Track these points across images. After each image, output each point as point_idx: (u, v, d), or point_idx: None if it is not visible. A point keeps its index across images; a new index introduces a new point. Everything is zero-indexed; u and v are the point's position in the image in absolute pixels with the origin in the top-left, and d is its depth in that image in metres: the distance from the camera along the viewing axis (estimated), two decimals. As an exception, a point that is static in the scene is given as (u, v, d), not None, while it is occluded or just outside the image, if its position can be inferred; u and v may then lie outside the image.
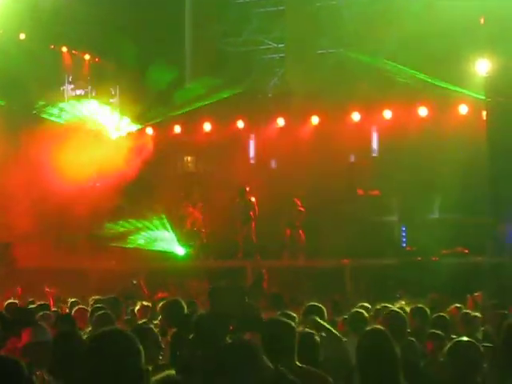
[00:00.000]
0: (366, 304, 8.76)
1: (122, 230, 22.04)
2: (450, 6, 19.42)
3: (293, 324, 5.69)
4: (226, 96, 23.66)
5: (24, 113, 23.06)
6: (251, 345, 4.34)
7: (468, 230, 19.12)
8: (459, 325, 8.39)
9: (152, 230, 22.32)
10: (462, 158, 19.85)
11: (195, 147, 24.94)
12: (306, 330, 6.20)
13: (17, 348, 6.99)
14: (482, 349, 5.48)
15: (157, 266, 19.59)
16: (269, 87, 26.10)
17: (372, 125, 22.53)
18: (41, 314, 8.58)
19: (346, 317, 8.38)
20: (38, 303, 10.24)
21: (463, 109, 21.39)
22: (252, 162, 24.63)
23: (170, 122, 24.14)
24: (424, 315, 7.95)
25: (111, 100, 25.30)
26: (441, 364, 6.16)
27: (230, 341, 5.51)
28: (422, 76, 20.99)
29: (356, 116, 22.64)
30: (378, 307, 8.03)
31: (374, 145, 23.00)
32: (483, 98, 19.73)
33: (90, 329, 8.13)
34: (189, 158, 25.54)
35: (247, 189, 21.68)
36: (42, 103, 23.92)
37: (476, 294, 11.29)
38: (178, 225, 22.21)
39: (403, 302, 8.73)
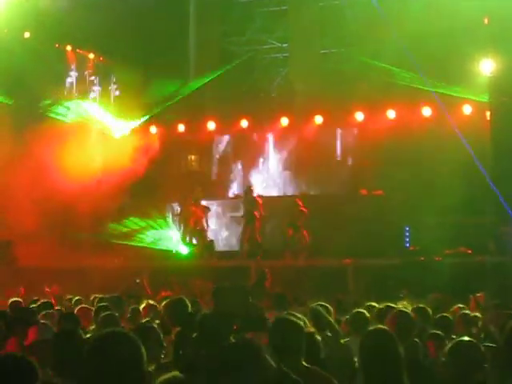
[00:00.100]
0: (374, 303, 8.75)
1: (125, 228, 22.08)
2: (454, 6, 19.42)
3: (301, 323, 5.71)
4: (229, 95, 23.71)
5: (29, 111, 23.08)
6: (254, 344, 4.35)
7: (471, 230, 19.12)
8: (459, 325, 8.40)
9: (155, 228, 22.35)
10: (465, 157, 19.84)
11: (199, 146, 24.99)
12: (307, 329, 6.21)
13: (19, 347, 7.03)
14: (482, 349, 5.48)
15: (160, 264, 19.61)
16: (272, 87, 26.11)
17: (375, 125, 22.52)
18: (44, 312, 8.59)
19: (347, 317, 8.38)
20: (41, 301, 10.25)
21: (467, 109, 21.39)
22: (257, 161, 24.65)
23: (174, 120, 24.17)
24: (426, 315, 7.95)
25: (115, 99, 25.33)
26: (442, 364, 6.18)
27: (233, 340, 5.53)
28: (425, 76, 20.99)
29: (359, 116, 22.66)
30: (381, 307, 8.03)
31: (377, 145, 22.99)
32: (487, 98, 19.73)
33: (93, 327, 8.16)
34: (193, 157, 25.57)
35: (252, 188, 21.70)
36: (46, 102, 23.95)
37: (478, 294, 11.28)
38: (181, 223, 22.25)
39: (405, 302, 8.74)
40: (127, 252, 21.03)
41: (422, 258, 18.44)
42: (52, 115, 23.87)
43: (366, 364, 5.09)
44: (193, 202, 22.16)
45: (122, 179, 21.24)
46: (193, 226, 21.87)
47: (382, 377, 4.99)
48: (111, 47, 23.98)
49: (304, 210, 20.39)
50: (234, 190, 24.50)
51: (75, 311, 9.10)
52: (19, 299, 10.52)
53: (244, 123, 23.75)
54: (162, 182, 22.84)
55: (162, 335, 6.55)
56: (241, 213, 21.86)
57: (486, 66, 19.51)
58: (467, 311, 9.00)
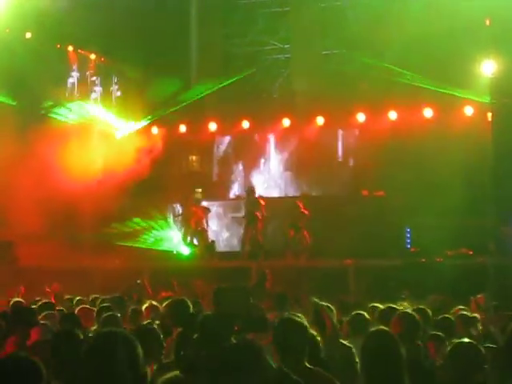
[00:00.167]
0: (377, 304, 8.75)
1: (126, 229, 22.08)
2: (455, 7, 19.43)
3: (306, 324, 5.71)
4: (230, 96, 23.73)
5: (31, 112, 23.10)
6: (255, 345, 4.35)
7: (472, 231, 19.11)
8: (458, 326, 8.39)
9: (156, 229, 22.36)
10: (466, 159, 19.85)
11: (200, 147, 25.01)
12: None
13: (18, 346, 7.04)
14: (483, 350, 5.48)
15: (161, 265, 19.60)
16: (274, 87, 26.12)
17: (376, 126, 22.53)
18: (45, 313, 8.60)
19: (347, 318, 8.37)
20: (42, 301, 10.25)
21: (468, 110, 21.40)
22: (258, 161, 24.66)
23: (176, 121, 24.18)
24: (426, 316, 7.95)
25: (116, 99, 25.34)
26: (442, 365, 6.18)
27: (234, 341, 5.52)
28: (427, 77, 20.99)
29: (361, 117, 22.67)
30: (383, 308, 8.02)
31: (379, 146, 22.99)
32: (488, 99, 19.73)
33: (94, 327, 8.16)
34: (194, 158, 25.57)
35: (254, 189, 21.70)
36: (48, 103, 23.97)
37: (478, 296, 11.28)
38: (182, 224, 22.26)
39: (406, 303, 8.73)
40: (128, 252, 21.03)
41: (423, 259, 18.44)
42: (54, 116, 23.89)
43: (368, 365, 5.08)
44: (193, 202, 22.17)
45: (123, 180, 21.25)
46: (194, 227, 21.87)
47: (383, 378, 4.99)
48: (113, 48, 23.99)
49: (305, 211, 20.38)
50: (235, 190, 24.51)
51: (76, 311, 9.11)
52: (21, 300, 10.52)
53: (245, 124, 23.76)
54: (163, 182, 22.84)
55: (161, 336, 6.55)
56: (242, 213, 21.86)
57: (488, 67, 19.52)
58: (466, 312, 8.99)
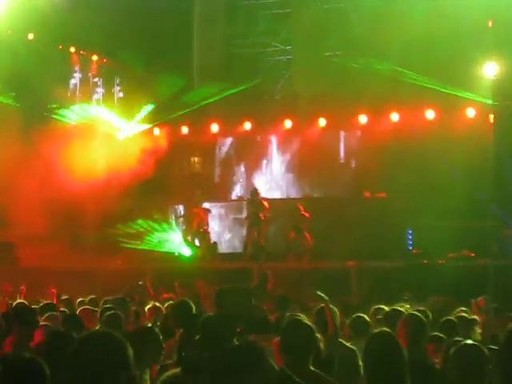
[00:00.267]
0: (382, 306, 8.75)
1: (128, 230, 22.08)
2: (457, 9, 19.43)
3: (313, 327, 5.71)
4: (233, 98, 23.73)
5: (33, 113, 23.11)
6: (257, 346, 4.36)
7: (474, 233, 19.11)
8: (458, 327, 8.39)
9: (158, 230, 22.35)
10: (468, 160, 19.84)
11: (202, 148, 25.01)
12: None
13: (15, 346, 7.05)
14: (486, 351, 5.47)
15: (163, 266, 19.60)
16: (276, 89, 26.13)
17: (379, 127, 22.53)
18: (48, 314, 8.60)
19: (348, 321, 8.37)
20: (44, 302, 10.26)
21: (470, 112, 21.39)
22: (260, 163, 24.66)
23: (178, 122, 24.18)
24: (426, 318, 7.95)
25: (119, 100, 25.35)
26: (442, 366, 6.18)
27: (236, 342, 5.53)
28: (429, 79, 20.99)
29: (363, 118, 22.67)
30: (389, 310, 8.02)
31: (381, 147, 22.99)
32: (490, 101, 19.73)
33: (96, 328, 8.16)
34: (196, 159, 25.57)
35: (258, 190, 21.68)
36: (51, 104, 23.99)
37: (479, 298, 11.27)
38: (184, 225, 22.25)
39: (408, 306, 8.73)
40: (130, 254, 21.02)
41: (425, 261, 18.43)
42: (56, 117, 23.90)
43: (371, 367, 5.09)
44: (195, 204, 22.17)
45: (126, 181, 21.25)
46: (196, 228, 21.87)
47: (386, 380, 4.99)
48: (115, 49, 24.01)
49: (305, 214, 20.37)
50: (237, 192, 24.51)
51: (77, 312, 9.12)
52: (23, 301, 10.51)
53: (247, 125, 23.76)
54: (165, 183, 22.84)
55: (161, 337, 6.56)
56: (244, 215, 21.86)
57: (490, 69, 19.51)
58: (465, 314, 8.99)
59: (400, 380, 5.00)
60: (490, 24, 19.29)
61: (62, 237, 21.02)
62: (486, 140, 19.65)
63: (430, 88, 21.14)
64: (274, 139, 24.38)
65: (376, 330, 5.49)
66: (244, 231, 21.70)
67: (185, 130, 24.35)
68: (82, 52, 25.13)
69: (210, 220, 22.23)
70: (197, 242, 21.79)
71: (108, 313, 7.79)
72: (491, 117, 19.98)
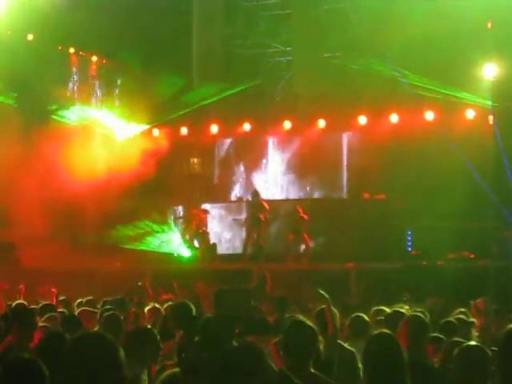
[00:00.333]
0: (383, 307, 8.74)
1: (127, 231, 22.08)
2: (457, 10, 19.43)
3: (316, 329, 5.70)
4: (232, 98, 23.73)
5: (33, 114, 23.11)
6: (256, 348, 4.35)
7: (474, 234, 19.11)
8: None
9: (158, 231, 22.34)
10: (468, 162, 19.85)
11: (202, 149, 25.00)
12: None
13: (13, 346, 7.04)
14: (490, 352, 5.46)
15: (162, 267, 19.59)
16: (276, 90, 26.13)
17: (378, 128, 22.53)
18: (48, 315, 8.59)
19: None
20: (43, 303, 10.25)
21: (470, 113, 21.39)
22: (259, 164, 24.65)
23: (177, 123, 24.17)
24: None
25: (118, 101, 25.35)
26: (441, 366, 6.17)
27: (235, 344, 5.52)
28: (428, 80, 21.00)
29: (362, 120, 22.66)
30: (390, 311, 8.01)
31: (380, 148, 22.99)
32: (490, 102, 19.73)
33: (96, 329, 8.15)
34: (195, 160, 25.57)
35: (259, 192, 21.66)
36: (50, 104, 23.99)
37: (478, 300, 11.27)
38: (183, 226, 22.24)
39: (407, 307, 8.72)
40: (129, 255, 21.01)
41: (425, 262, 18.42)
42: (56, 118, 23.90)
43: (370, 368, 5.07)
44: (194, 205, 22.16)
45: (125, 182, 21.24)
46: (195, 229, 21.87)
47: (385, 381, 4.98)
48: (114, 50, 24.01)
49: (304, 216, 20.36)
50: (237, 192, 24.50)
51: (76, 313, 9.11)
52: (23, 302, 10.50)
53: (247, 126, 23.74)
54: (164, 184, 22.83)
55: (159, 338, 6.56)
56: (243, 216, 21.85)
57: (489, 71, 19.51)
58: (463, 316, 8.98)
59: (400, 382, 4.99)
60: (490, 25, 19.29)
61: (62, 237, 21.02)
62: (485, 141, 19.66)
63: (429, 89, 21.14)
64: (273, 140, 24.38)
65: (376, 332, 5.47)
66: (243, 232, 21.70)
67: (184, 130, 24.34)
68: (81, 53, 25.13)
69: (209, 221, 22.24)
70: (196, 243, 21.79)
71: (107, 313, 7.78)
72: (491, 118, 19.98)
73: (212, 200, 23.07)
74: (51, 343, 5.66)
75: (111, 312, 7.87)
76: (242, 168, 24.66)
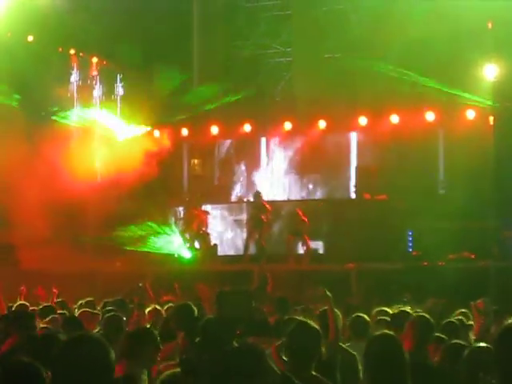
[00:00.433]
0: (386, 308, 8.74)
1: (128, 232, 22.07)
2: (457, 11, 19.42)
3: (320, 331, 5.70)
4: (233, 99, 23.72)
5: (33, 115, 23.10)
6: (257, 349, 4.35)
7: (474, 234, 19.09)
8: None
9: (158, 232, 22.34)
10: (468, 162, 19.84)
11: (202, 150, 25.01)
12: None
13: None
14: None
15: (163, 269, 19.59)
16: (276, 91, 26.12)
17: (379, 129, 22.53)
18: (50, 317, 8.61)
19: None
20: (44, 305, 10.26)
21: (470, 114, 21.38)
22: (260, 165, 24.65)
23: (178, 124, 24.17)
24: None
25: (119, 102, 25.35)
26: (441, 365, 6.17)
27: (236, 345, 5.52)
28: (429, 80, 20.99)
29: (363, 120, 22.65)
30: (395, 311, 8.01)
31: (381, 149, 22.99)
32: (490, 103, 19.72)
33: (97, 330, 8.16)
34: (196, 161, 25.57)
35: (261, 193, 21.64)
36: (50, 106, 23.98)
37: (478, 301, 11.26)
38: (184, 227, 22.23)
39: (409, 307, 8.72)
40: (130, 256, 21.01)
41: (425, 263, 18.41)
42: (56, 119, 23.90)
43: (371, 370, 5.06)
44: (194, 205, 22.16)
45: (126, 183, 21.25)
46: (196, 230, 21.86)
47: (387, 383, 4.97)
48: (115, 51, 23.99)
49: (304, 219, 20.35)
50: (237, 193, 24.50)
51: (77, 315, 9.12)
52: (25, 303, 10.51)
53: (247, 127, 23.74)
54: (165, 185, 22.83)
55: (158, 338, 6.56)
56: (244, 216, 21.85)
57: (490, 71, 19.50)
58: (462, 317, 8.97)
59: (401, 383, 4.98)
60: (490, 25, 19.28)
61: (62, 238, 21.01)
62: (486, 141, 19.65)
63: (429, 90, 21.13)
64: (274, 141, 24.38)
65: (377, 333, 5.46)
66: (244, 233, 21.69)
67: (185, 132, 24.34)
68: (81, 54, 25.12)
69: (209, 222, 22.23)
70: (197, 245, 21.78)
71: (108, 315, 7.79)
72: (491, 118, 19.97)
73: (212, 201, 23.07)
74: (41, 344, 5.66)
75: (112, 313, 7.87)
76: (242, 169, 24.66)
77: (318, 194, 23.77)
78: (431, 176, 21.80)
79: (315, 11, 24.43)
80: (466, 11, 18.96)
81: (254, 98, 24.38)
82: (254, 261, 20.20)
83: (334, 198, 23.19)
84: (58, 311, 9.95)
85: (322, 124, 23.00)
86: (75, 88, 25.22)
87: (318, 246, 20.94)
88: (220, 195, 24.16)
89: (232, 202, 23.99)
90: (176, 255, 21.82)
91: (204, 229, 21.85)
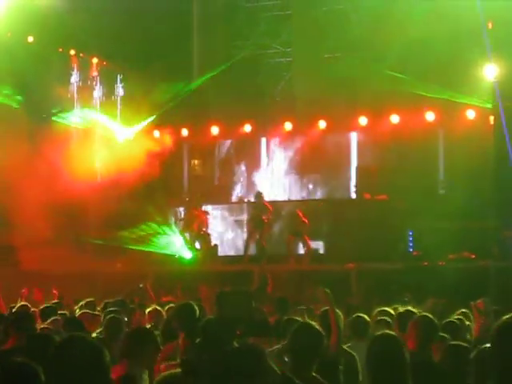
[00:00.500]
0: (387, 308, 8.73)
1: (129, 233, 22.08)
2: (457, 11, 19.41)
3: (323, 333, 5.70)
4: (233, 100, 23.73)
5: (33, 116, 23.12)
6: (257, 349, 4.35)
7: (475, 234, 19.09)
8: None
9: (159, 233, 22.34)
10: (468, 162, 19.84)
11: (202, 150, 25.01)
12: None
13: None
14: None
15: (163, 269, 19.60)
16: (276, 91, 26.12)
17: (379, 129, 22.54)
18: (52, 318, 8.62)
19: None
20: (44, 306, 10.27)
21: (470, 114, 21.38)
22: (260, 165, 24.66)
23: (178, 125, 24.17)
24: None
25: (119, 103, 25.35)
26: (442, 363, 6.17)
27: (236, 345, 5.52)
28: (429, 80, 20.99)
29: (363, 120, 22.66)
30: (402, 311, 8.00)
31: (381, 149, 23.00)
32: (490, 103, 19.72)
33: (98, 331, 8.18)
34: (196, 161, 25.58)
35: (262, 193, 21.63)
36: (51, 106, 23.99)
37: (478, 301, 11.26)
38: (184, 228, 22.23)
39: (410, 307, 8.72)
40: (130, 256, 21.02)
41: (426, 263, 18.41)
42: (57, 120, 23.90)
43: (373, 370, 5.07)
44: (195, 206, 22.16)
45: (126, 183, 21.26)
46: (196, 231, 21.86)
47: (388, 383, 4.97)
48: (115, 51, 24.00)
49: (304, 220, 20.35)
50: (238, 194, 24.50)
51: (77, 315, 9.13)
52: (26, 304, 10.52)
53: (247, 127, 23.75)
54: (165, 186, 22.83)
55: (158, 338, 6.57)
56: (244, 217, 21.85)
57: (490, 71, 19.49)
58: (462, 317, 8.97)
59: (402, 383, 4.98)
60: (490, 25, 19.28)
61: (63, 239, 21.02)
62: (486, 141, 19.66)
63: (429, 90, 21.13)
64: (274, 141, 24.39)
65: (378, 333, 5.47)
66: (245, 233, 21.70)
67: (185, 132, 24.35)
68: (81, 54, 25.12)
69: (210, 222, 22.23)
70: (197, 245, 21.78)
71: (110, 316, 7.80)
72: (491, 118, 19.97)
73: (213, 201, 23.07)
74: (35, 345, 5.67)
75: (113, 315, 7.88)
76: (242, 169, 24.67)
77: (318, 194, 23.77)
78: (431, 176, 21.79)
79: (315, 11, 24.43)
80: (465, 11, 18.96)
81: (254, 98, 24.39)
82: (254, 261, 20.20)
83: (334, 198, 23.19)
84: (59, 312, 9.97)
85: (322, 124, 23.01)
86: (75, 88, 25.22)
87: (319, 246, 20.95)
88: (220, 195, 24.16)
89: (232, 203, 23.99)
90: (176, 256, 21.82)
91: (204, 229, 21.85)
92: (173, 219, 22.94)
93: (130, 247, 21.48)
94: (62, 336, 4.01)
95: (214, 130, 24.04)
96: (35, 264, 19.52)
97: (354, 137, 23.66)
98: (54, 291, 14.29)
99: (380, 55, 21.94)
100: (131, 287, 14.58)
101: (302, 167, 23.89)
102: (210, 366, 5.19)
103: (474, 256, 18.63)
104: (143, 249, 21.69)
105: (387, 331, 5.54)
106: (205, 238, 21.68)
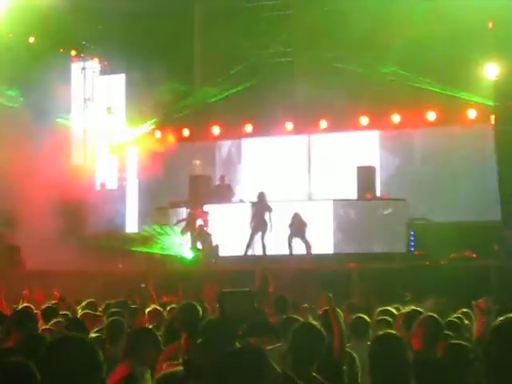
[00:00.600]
0: (390, 308, 8.75)
1: (130, 233, 22.12)
2: (458, 10, 19.43)
3: (324, 333, 5.71)
4: (234, 100, 23.76)
5: (35, 116, 23.15)
6: (259, 349, 4.36)
7: (476, 233, 19.11)
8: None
9: (160, 233, 22.36)
10: (469, 161, 19.86)
11: (203, 151, 25.03)
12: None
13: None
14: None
15: (165, 269, 19.62)
16: (276, 91, 26.11)
17: (380, 129, 22.55)
18: (55, 320, 8.64)
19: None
20: (46, 306, 10.29)
21: (471, 113, 21.39)
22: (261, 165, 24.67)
23: (179, 125, 24.20)
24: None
25: (120, 104, 25.38)
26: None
27: (238, 345, 5.53)
28: (430, 80, 21.01)
29: (364, 120, 22.68)
30: (409, 311, 8.03)
31: (382, 149, 23.02)
32: (491, 102, 19.74)
33: (95, 330, 8.19)
34: (197, 162, 25.59)
35: (265, 193, 21.64)
36: (51, 107, 24.03)
37: (479, 300, 11.27)
38: (185, 228, 22.24)
39: (413, 307, 8.73)
40: (132, 257, 21.04)
41: (427, 262, 18.42)
42: (59, 120, 23.95)
43: (375, 369, 5.08)
44: (196, 206, 22.17)
45: (127, 184, 21.29)
46: (197, 231, 21.87)
47: (390, 382, 4.98)
48: (115, 52, 24.03)
49: (305, 221, 20.37)
50: (239, 194, 24.50)
51: (79, 316, 9.14)
52: (29, 305, 10.53)
53: (248, 127, 23.77)
54: (166, 186, 22.85)
55: (159, 338, 6.58)
56: (246, 217, 21.85)
57: (491, 70, 19.51)
58: (461, 316, 8.98)
59: (404, 383, 4.99)
60: (491, 25, 19.29)
61: (66, 240, 21.05)
62: (487, 141, 19.67)
63: (431, 89, 21.15)
64: (275, 141, 24.40)
65: (380, 332, 5.48)
66: (246, 233, 21.70)
67: (186, 132, 24.37)
68: (82, 55, 25.16)
69: (211, 222, 22.23)
70: (198, 245, 21.79)
71: (112, 317, 7.82)
72: (492, 118, 19.99)
73: (214, 201, 23.07)
74: (29, 344, 5.68)
75: (115, 317, 7.90)
76: (243, 170, 24.68)
77: (319, 195, 23.75)
78: (433, 175, 21.79)
79: (315, 11, 24.42)
80: (466, 10, 18.98)
81: (254, 98, 24.41)
82: (255, 261, 20.22)
83: (335, 198, 23.18)
84: (61, 313, 9.99)
85: (323, 124, 23.04)
86: (76, 89, 25.26)
87: (320, 246, 20.95)
88: (221, 195, 24.16)
89: (234, 203, 23.99)
90: (178, 256, 21.83)
91: (205, 229, 21.86)
92: (174, 219, 22.94)
93: (131, 248, 21.50)
94: (54, 336, 4.01)
95: (215, 130, 24.07)
96: (38, 264, 19.54)
97: (355, 136, 23.67)
98: (55, 292, 14.30)
99: (380, 55, 21.94)
100: (132, 288, 14.60)
101: (303, 167, 23.89)
102: (212, 367, 5.20)
103: (475, 255, 18.64)
104: (144, 249, 21.72)
105: (389, 331, 5.55)
106: (206, 238, 21.69)
